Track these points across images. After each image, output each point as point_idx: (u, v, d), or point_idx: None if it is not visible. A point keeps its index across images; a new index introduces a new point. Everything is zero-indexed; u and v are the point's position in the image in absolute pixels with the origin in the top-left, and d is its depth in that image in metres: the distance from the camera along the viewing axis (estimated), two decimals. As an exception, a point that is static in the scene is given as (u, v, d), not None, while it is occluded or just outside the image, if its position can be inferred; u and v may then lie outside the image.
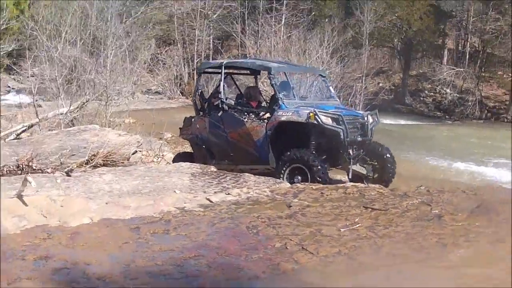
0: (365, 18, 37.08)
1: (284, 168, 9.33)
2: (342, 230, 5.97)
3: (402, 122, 35.37)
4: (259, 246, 5.45)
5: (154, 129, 16.43)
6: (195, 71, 40.54)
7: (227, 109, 10.45)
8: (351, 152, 9.50)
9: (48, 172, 8.87)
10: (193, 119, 11.14)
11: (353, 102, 32.61)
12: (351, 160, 9.49)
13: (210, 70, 12.14)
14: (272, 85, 10.16)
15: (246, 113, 10.26)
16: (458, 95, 41.52)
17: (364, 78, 34.89)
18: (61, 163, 9.68)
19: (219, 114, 10.48)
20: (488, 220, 6.26)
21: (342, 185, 8.48)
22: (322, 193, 7.80)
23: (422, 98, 43.91)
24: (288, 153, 9.31)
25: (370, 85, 37.32)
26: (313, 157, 9.08)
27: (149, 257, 5.06)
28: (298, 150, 9.23)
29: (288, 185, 8.82)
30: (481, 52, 43.49)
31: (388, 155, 9.91)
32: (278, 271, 4.83)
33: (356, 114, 10.16)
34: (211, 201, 7.27)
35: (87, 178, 8.60)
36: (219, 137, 10.53)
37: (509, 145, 25.48)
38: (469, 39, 46.22)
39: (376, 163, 9.90)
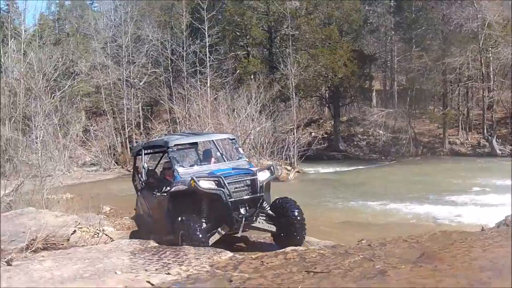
0: (289, 71, 37.52)
1: (177, 236, 9.41)
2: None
3: (338, 169, 35.51)
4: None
5: (92, 204, 16.52)
6: (127, 140, 40.37)
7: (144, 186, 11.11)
8: (243, 211, 9.42)
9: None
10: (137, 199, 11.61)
11: (287, 155, 32.68)
12: (243, 219, 9.40)
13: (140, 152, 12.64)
14: (169, 159, 10.41)
15: (157, 188, 10.72)
16: (391, 135, 42.09)
17: (295, 129, 35.04)
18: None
19: (139, 192, 11.15)
20: (432, 270, 6.05)
21: (281, 250, 8.23)
22: (262, 262, 7.56)
23: (356, 143, 44.37)
24: (177, 221, 9.44)
25: (303, 136, 37.51)
26: (191, 223, 9.15)
27: None
28: (183, 217, 9.31)
29: (229, 254, 8.51)
30: (409, 90, 44.54)
31: (295, 212, 9.83)
32: None
33: (246, 172, 9.90)
34: (152, 284, 6.97)
35: (27, 266, 8.16)
36: (147, 212, 10.99)
37: (445, 178, 26.03)
38: (396, 79, 47.43)
39: (283, 221, 9.85)
